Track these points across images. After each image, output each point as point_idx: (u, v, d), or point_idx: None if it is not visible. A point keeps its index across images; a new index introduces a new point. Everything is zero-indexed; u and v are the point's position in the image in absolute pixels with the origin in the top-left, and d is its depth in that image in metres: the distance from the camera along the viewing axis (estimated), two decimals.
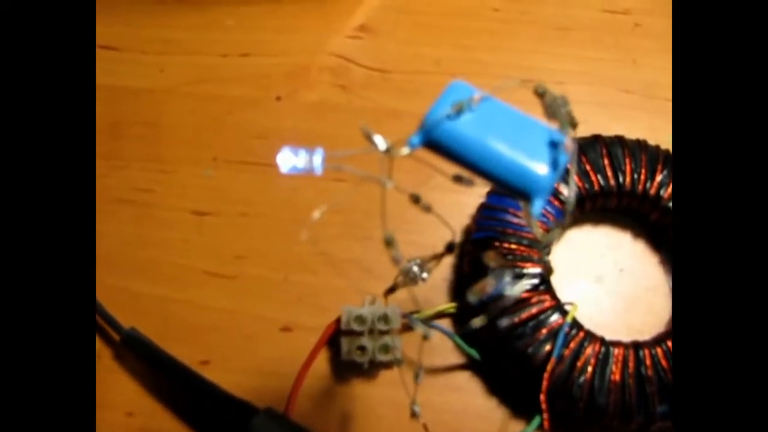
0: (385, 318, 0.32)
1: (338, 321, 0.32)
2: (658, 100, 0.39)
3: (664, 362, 0.30)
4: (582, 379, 0.30)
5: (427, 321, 0.32)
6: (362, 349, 0.32)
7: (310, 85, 0.40)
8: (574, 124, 0.21)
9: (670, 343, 0.31)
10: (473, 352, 0.32)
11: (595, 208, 0.34)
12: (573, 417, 0.31)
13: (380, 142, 0.19)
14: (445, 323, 0.33)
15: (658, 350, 0.31)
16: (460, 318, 0.33)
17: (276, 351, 0.33)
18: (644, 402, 0.30)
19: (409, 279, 0.24)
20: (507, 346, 0.31)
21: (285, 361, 0.33)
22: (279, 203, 0.37)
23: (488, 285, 0.22)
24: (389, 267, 0.33)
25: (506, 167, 0.19)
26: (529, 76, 0.40)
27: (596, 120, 0.38)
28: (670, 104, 0.39)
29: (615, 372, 0.30)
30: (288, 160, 0.19)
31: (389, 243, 0.20)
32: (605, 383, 0.30)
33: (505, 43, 0.41)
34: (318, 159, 0.19)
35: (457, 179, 0.21)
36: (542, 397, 0.30)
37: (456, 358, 0.33)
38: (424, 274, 0.25)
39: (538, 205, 0.19)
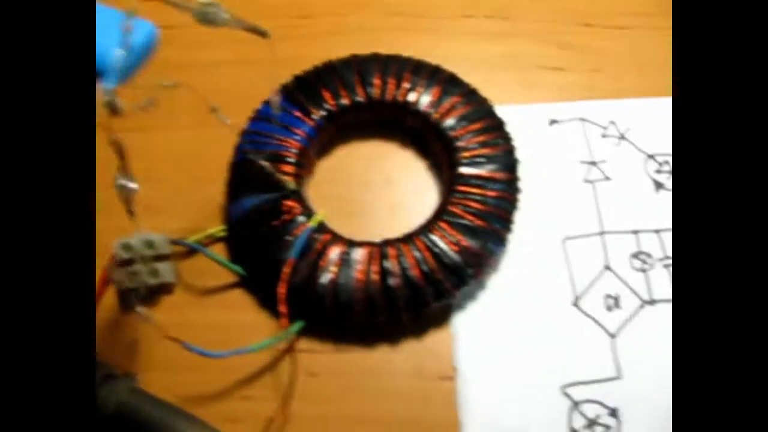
0: (151, 244, 0.34)
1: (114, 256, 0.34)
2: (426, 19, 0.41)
3: (409, 258, 0.32)
4: (326, 278, 0.32)
5: (196, 245, 0.34)
6: (133, 275, 0.34)
7: None
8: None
9: (418, 241, 0.32)
10: (238, 269, 0.34)
11: (355, 122, 0.36)
12: (325, 315, 0.32)
13: None
14: (219, 247, 0.35)
15: (404, 247, 0.32)
16: (230, 240, 0.35)
17: None
18: (390, 295, 0.31)
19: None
20: (259, 254, 0.33)
21: None
22: None
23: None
24: (168, 203, 0.35)
25: (97, 52, 0.21)
26: None
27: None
28: (435, 21, 0.41)
29: (359, 270, 0.32)
30: None
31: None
32: (350, 281, 0.32)
33: None
34: None
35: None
36: (280, 295, 0.31)
37: (230, 278, 0.35)
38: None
39: (109, 82, 0.21)
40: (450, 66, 0.37)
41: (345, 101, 0.35)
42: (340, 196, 0.36)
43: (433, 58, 0.37)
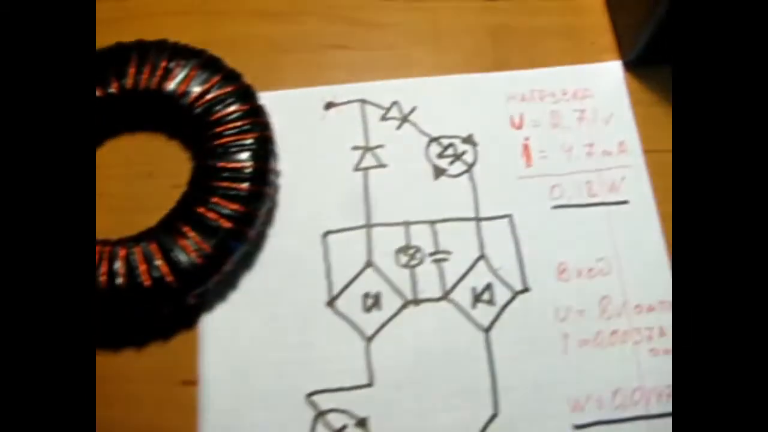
0: None
1: None
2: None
3: (139, 258, 0.30)
4: None
5: None
6: None
7: None
8: None
9: (151, 240, 0.30)
10: None
11: (115, 115, 0.34)
12: None
13: None
14: None
15: (135, 247, 0.30)
16: None
17: None
18: (117, 297, 0.30)
19: None
20: None
21: None
22: None
23: None
24: None
25: None
26: None
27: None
28: (222, 3, 0.38)
29: None
30: None
31: None
32: None
33: None
34: None
35: None
36: None
37: None
38: None
39: None
40: (230, 50, 0.34)
41: (98, 93, 0.33)
42: (102, 192, 0.34)
43: (214, 42, 0.35)
